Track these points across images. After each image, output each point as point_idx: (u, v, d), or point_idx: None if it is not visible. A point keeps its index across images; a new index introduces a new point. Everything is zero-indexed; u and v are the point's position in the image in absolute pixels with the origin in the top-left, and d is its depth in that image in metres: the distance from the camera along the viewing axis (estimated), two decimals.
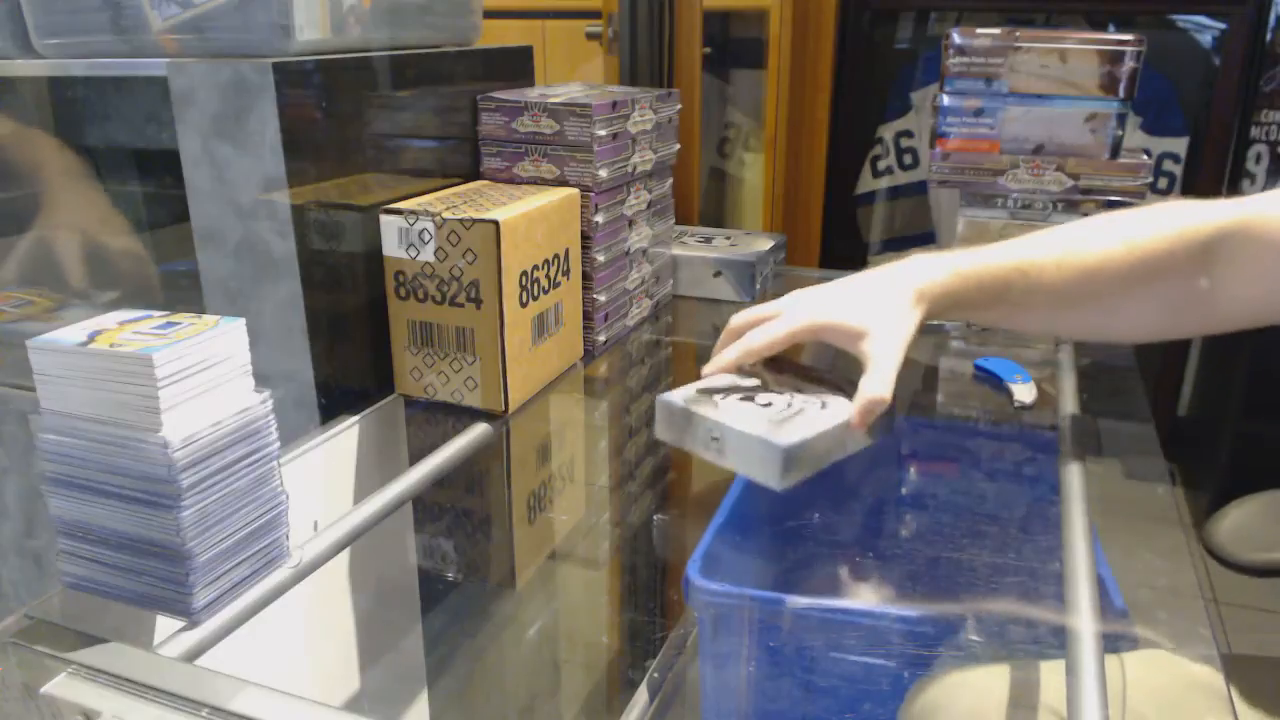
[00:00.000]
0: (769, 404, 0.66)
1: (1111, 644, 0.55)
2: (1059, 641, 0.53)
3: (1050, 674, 0.60)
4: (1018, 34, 0.98)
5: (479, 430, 0.80)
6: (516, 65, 1.03)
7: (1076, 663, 0.50)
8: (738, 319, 0.71)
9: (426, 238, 0.79)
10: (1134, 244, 0.66)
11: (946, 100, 1.01)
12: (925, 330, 0.69)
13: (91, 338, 0.50)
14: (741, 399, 0.67)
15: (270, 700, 0.47)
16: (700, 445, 0.65)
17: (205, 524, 0.51)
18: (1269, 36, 1.88)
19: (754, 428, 0.62)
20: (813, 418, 0.64)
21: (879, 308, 0.67)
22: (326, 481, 0.78)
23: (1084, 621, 0.53)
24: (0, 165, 0.88)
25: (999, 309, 0.70)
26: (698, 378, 0.70)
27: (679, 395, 0.67)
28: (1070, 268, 0.67)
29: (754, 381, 0.70)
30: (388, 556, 0.90)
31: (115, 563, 0.52)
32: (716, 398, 0.67)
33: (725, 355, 0.69)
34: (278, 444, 0.56)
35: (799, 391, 0.68)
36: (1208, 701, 0.58)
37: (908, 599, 0.66)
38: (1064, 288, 0.68)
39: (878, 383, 0.63)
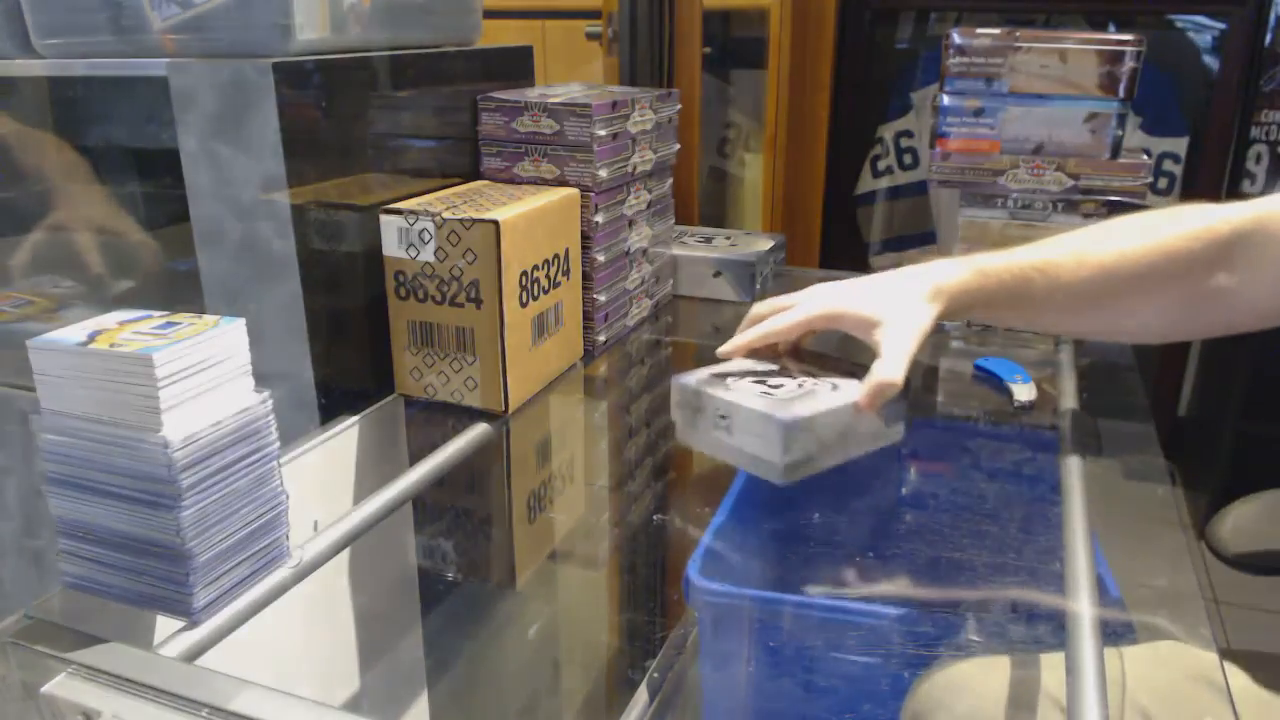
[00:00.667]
0: (779, 386, 0.67)
1: (1111, 641, 0.55)
2: (1059, 640, 0.53)
3: (1053, 668, 0.60)
4: (1018, 34, 0.98)
5: (479, 430, 0.80)
6: (516, 65, 1.03)
7: (1076, 658, 0.50)
8: (758, 307, 0.73)
9: (426, 238, 0.79)
10: (1152, 244, 0.67)
11: (946, 100, 1.01)
12: None
13: (91, 338, 0.50)
14: (753, 382, 0.67)
15: (270, 700, 0.47)
16: (710, 425, 0.67)
17: (205, 524, 0.51)
18: (1269, 36, 1.88)
19: (760, 405, 0.63)
20: (821, 397, 0.65)
21: (895, 299, 0.68)
22: (326, 481, 0.78)
23: (1084, 619, 0.53)
24: (12, 165, 0.88)
25: (1019, 308, 0.71)
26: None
27: (693, 377, 0.69)
28: (1090, 266, 0.68)
29: (769, 367, 0.71)
30: (388, 556, 0.90)
31: (115, 563, 0.52)
32: (729, 380, 0.68)
33: (740, 338, 0.70)
34: (277, 444, 0.56)
35: (812, 376, 0.69)
36: (1207, 696, 0.58)
37: (908, 599, 0.66)
38: (1083, 286, 0.68)
39: (888, 367, 0.64)
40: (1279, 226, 0.63)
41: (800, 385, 0.67)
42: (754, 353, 0.73)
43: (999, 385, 0.93)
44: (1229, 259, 0.65)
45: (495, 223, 0.76)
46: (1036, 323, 0.74)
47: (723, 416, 0.65)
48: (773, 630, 0.66)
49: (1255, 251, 0.64)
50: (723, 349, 0.71)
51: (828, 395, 0.65)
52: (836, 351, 0.74)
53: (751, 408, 0.63)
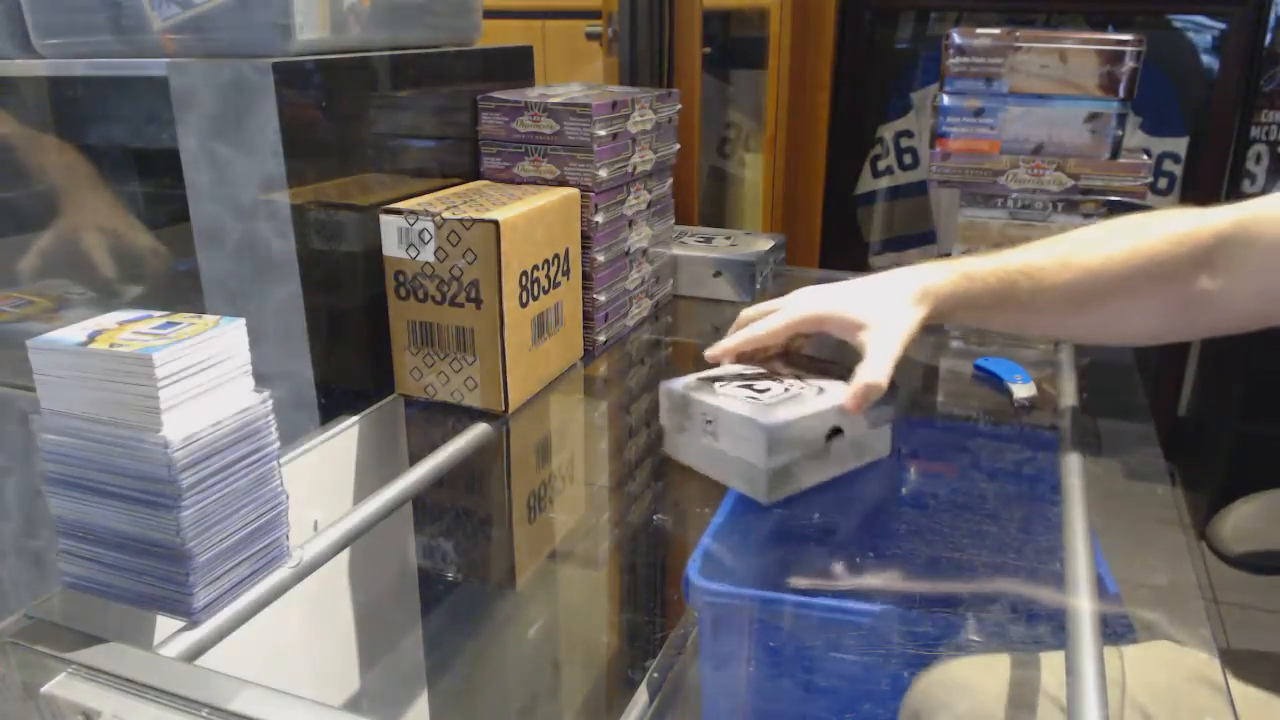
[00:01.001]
0: (765, 390, 0.67)
1: (1111, 641, 0.55)
2: (1059, 640, 0.53)
3: (1053, 667, 0.60)
4: (1018, 34, 0.98)
5: (479, 430, 0.80)
6: (516, 65, 1.03)
7: (1076, 658, 0.50)
8: (747, 311, 0.73)
9: (426, 238, 0.79)
10: (1137, 246, 0.67)
11: (946, 100, 1.01)
12: (925, 330, 0.69)
13: (91, 338, 0.50)
14: (740, 386, 0.68)
15: (270, 700, 0.47)
16: (697, 430, 0.67)
17: (205, 524, 0.51)
18: (1269, 37, 1.88)
19: (744, 409, 0.64)
20: (806, 401, 0.65)
21: (881, 302, 0.68)
22: (326, 481, 0.78)
23: (1084, 619, 0.53)
24: (12, 165, 0.88)
25: (1005, 311, 0.71)
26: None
27: (681, 382, 0.69)
28: (1074, 269, 0.68)
29: (757, 371, 0.71)
30: (388, 556, 0.90)
31: (115, 563, 0.52)
32: (716, 385, 0.68)
33: (725, 341, 0.71)
34: (278, 444, 0.56)
35: (800, 380, 0.69)
36: (1207, 695, 0.58)
37: (908, 599, 0.67)
38: (1069, 289, 0.69)
39: (872, 369, 0.64)
40: (1259, 230, 0.63)
41: (786, 389, 0.67)
42: (745, 357, 0.73)
43: (999, 385, 0.93)
44: (1210, 263, 0.65)
45: (495, 223, 0.76)
46: (1023, 325, 0.75)
47: (709, 421, 0.66)
48: (772, 630, 0.66)
49: (1237, 254, 0.64)
50: (709, 352, 0.72)
51: (813, 399, 0.66)
52: (830, 355, 0.74)
53: (736, 412, 0.64)
